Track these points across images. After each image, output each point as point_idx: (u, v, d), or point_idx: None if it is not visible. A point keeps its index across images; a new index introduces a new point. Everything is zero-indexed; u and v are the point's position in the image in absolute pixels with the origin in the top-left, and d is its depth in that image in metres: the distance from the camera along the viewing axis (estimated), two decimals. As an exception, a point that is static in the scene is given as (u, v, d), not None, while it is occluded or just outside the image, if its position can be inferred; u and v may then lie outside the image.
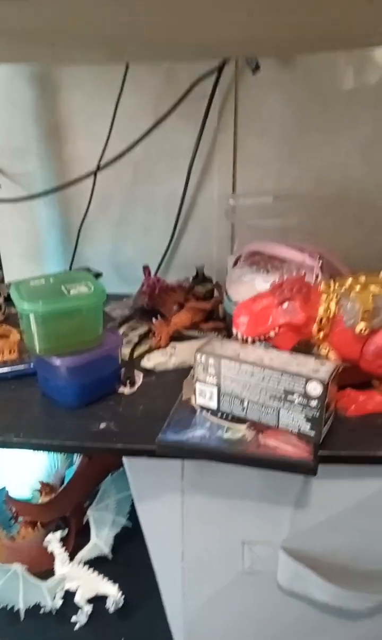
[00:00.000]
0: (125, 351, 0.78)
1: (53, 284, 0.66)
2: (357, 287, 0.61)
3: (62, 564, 0.79)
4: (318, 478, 0.60)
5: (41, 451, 0.89)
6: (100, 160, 0.99)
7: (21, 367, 0.72)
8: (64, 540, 0.82)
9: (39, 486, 0.88)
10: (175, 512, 0.67)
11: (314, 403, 0.55)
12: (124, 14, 0.52)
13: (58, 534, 0.80)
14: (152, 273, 0.94)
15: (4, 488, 0.93)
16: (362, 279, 0.63)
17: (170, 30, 0.62)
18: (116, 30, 0.61)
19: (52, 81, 0.97)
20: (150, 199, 1.04)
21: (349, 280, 0.63)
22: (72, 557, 0.81)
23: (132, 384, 0.70)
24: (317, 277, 0.75)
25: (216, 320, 0.86)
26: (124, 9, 0.49)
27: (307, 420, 0.56)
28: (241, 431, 0.59)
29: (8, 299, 0.85)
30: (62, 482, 0.93)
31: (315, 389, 0.54)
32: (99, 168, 0.99)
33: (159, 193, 1.03)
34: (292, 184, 1.00)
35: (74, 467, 0.90)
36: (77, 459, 0.93)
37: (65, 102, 0.99)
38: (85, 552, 0.83)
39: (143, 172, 1.02)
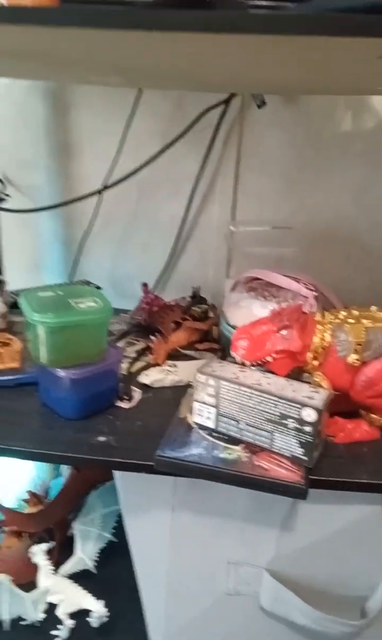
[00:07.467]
0: (124, 366, 0.80)
1: (62, 297, 0.68)
2: (351, 320, 0.65)
3: (46, 577, 0.79)
4: (304, 502, 0.62)
5: (39, 461, 0.90)
6: (106, 179, 1.02)
7: (23, 376, 0.73)
8: (48, 553, 0.82)
9: (26, 496, 0.88)
10: (164, 529, 0.68)
11: (308, 429, 0.58)
12: (139, 54, 0.55)
13: (43, 546, 0.81)
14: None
15: (-12, 497, 0.93)
16: (355, 312, 0.67)
17: (184, 70, 0.66)
18: (132, 64, 0.65)
19: (65, 98, 1.01)
20: (152, 220, 1.07)
21: (343, 313, 0.67)
22: (55, 571, 0.81)
23: (130, 399, 0.72)
24: (311, 307, 0.78)
25: (211, 341, 0.89)
26: (137, 49, 0.53)
27: (301, 445, 0.59)
28: (236, 452, 0.61)
29: (11, 307, 0.86)
30: (47, 493, 0.93)
31: (309, 415, 0.57)
32: (105, 187, 1.02)
33: (160, 214, 1.07)
34: (288, 216, 1.05)
35: (62, 479, 0.91)
36: (64, 470, 0.94)
37: (76, 120, 1.02)
38: (69, 566, 0.83)
39: (147, 194, 1.06)
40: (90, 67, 0.69)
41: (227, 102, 0.96)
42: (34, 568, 0.80)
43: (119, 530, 0.89)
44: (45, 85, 1.00)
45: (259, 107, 0.96)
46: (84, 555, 0.84)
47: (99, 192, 1.02)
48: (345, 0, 0.43)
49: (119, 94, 0.98)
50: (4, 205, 0.99)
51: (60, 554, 0.85)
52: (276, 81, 0.73)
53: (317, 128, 0.98)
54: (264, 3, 0.42)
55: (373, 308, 0.68)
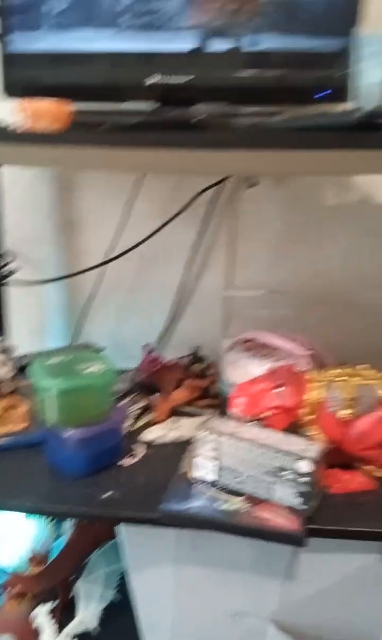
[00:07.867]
0: (127, 424, 0.84)
1: (69, 363, 0.74)
2: (343, 378, 0.71)
3: (50, 638, 0.78)
4: (306, 551, 0.65)
5: (49, 516, 0.91)
6: (107, 253, 1.10)
7: (30, 437, 0.77)
8: (52, 613, 0.81)
9: (27, 557, 0.89)
10: (168, 582, 0.70)
11: (304, 480, 0.62)
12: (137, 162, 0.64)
13: (46, 607, 0.80)
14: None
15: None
16: (347, 370, 0.73)
17: (178, 169, 0.76)
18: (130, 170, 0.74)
19: (69, 182, 1.11)
20: (152, 287, 1.15)
21: (335, 371, 0.73)
22: (59, 631, 0.80)
23: (134, 455, 0.76)
24: (305, 365, 0.84)
25: (211, 397, 0.94)
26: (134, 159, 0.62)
27: (298, 495, 0.62)
28: (236, 503, 0.64)
29: (19, 371, 0.91)
30: (49, 554, 0.93)
31: (305, 466, 0.62)
32: (106, 261, 1.10)
33: (161, 281, 1.15)
34: (281, 281, 1.13)
35: (64, 538, 0.91)
36: (66, 531, 0.94)
37: (80, 200, 1.12)
38: (73, 626, 0.82)
39: (146, 264, 1.13)
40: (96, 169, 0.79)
41: (221, 181, 1.07)
42: (37, 629, 0.80)
43: (122, 588, 0.89)
44: (51, 171, 1.11)
45: (251, 186, 1.06)
46: (88, 614, 0.83)
47: (101, 265, 1.10)
48: (326, 117, 0.52)
49: (118, 176, 1.08)
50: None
51: (63, 614, 0.85)
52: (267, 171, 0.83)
53: (306, 202, 1.08)
54: (248, 121, 0.51)
55: (364, 366, 0.74)
